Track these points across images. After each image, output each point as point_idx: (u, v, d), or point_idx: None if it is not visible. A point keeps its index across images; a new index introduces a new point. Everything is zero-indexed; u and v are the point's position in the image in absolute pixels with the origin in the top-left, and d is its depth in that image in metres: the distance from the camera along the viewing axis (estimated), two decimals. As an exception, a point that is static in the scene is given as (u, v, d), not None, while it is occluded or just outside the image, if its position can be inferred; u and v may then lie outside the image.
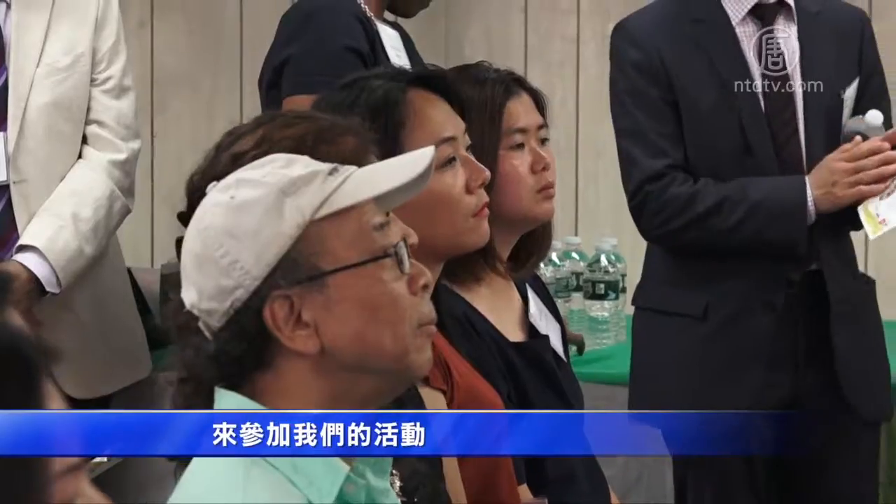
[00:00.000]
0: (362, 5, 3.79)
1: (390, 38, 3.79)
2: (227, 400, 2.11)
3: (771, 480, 3.67)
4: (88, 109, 3.93)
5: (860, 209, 3.35)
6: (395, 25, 3.96)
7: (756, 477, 3.55)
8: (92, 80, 3.91)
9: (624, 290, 4.22)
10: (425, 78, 2.80)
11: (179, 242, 2.25)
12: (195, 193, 2.24)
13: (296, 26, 3.86)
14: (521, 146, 2.93)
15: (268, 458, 2.08)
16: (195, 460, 2.15)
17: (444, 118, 2.73)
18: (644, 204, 3.51)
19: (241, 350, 2.10)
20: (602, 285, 4.24)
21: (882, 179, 3.31)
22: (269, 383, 2.09)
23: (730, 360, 3.47)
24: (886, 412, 3.56)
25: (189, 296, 2.13)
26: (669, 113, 3.48)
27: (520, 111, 2.96)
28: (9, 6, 3.87)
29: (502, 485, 2.76)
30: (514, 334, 2.95)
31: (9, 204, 3.66)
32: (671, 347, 3.56)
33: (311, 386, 2.12)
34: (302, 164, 2.13)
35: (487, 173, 2.60)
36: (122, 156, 3.95)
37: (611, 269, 4.31)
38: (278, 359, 2.09)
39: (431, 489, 2.52)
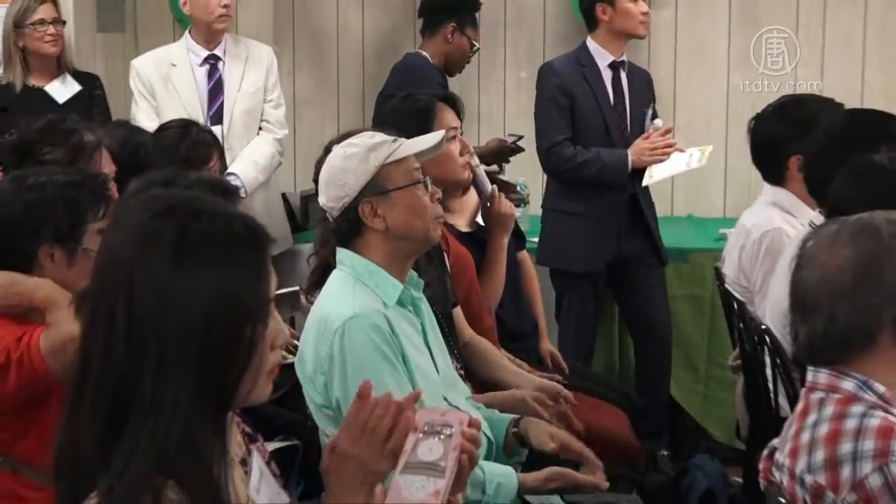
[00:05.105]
0: None
1: None
2: (343, 253, 2.97)
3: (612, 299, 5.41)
4: (262, 113, 5.32)
5: (647, 168, 5.05)
6: None
7: (600, 297, 5.28)
8: (264, 100, 5.29)
9: (528, 202, 5.93)
10: (446, 97, 3.92)
11: (315, 181, 3.12)
12: (317, 169, 3.08)
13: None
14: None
15: (362, 280, 2.93)
16: (325, 287, 2.97)
17: (451, 118, 3.83)
18: (548, 159, 5.12)
19: (347, 226, 2.94)
20: (520, 200, 5.77)
21: (660, 154, 5.02)
22: (360, 243, 2.95)
23: (597, 236, 5.14)
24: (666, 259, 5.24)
25: (322, 199, 2.99)
26: (568, 113, 5.12)
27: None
28: (223, 61, 5.22)
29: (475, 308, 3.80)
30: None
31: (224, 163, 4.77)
32: (566, 231, 5.15)
33: (381, 246, 2.94)
34: (380, 137, 2.99)
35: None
36: (278, 136, 5.35)
37: (523, 192, 5.88)
38: (365, 231, 2.94)
39: (440, 289, 3.51)
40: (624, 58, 5.19)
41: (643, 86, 5.26)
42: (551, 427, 3.17)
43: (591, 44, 5.15)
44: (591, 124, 5.10)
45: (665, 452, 4.29)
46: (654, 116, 5.16)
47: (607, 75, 5.16)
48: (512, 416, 3.20)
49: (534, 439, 3.12)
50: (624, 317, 5.47)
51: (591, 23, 5.20)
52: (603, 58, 5.15)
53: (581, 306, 5.20)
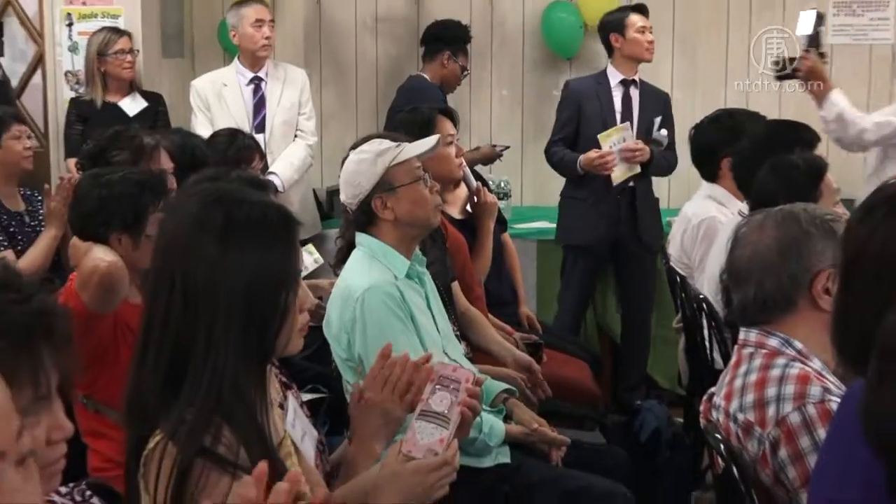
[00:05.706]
0: None
1: None
2: (361, 236, 2.93)
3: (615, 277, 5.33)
4: (297, 123, 5.34)
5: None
6: None
7: (598, 272, 5.22)
8: (298, 113, 5.33)
9: (511, 196, 5.91)
10: (444, 110, 3.93)
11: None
12: (341, 167, 3.00)
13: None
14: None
15: (377, 258, 2.88)
16: (347, 264, 2.92)
17: (449, 127, 3.82)
18: (548, 153, 5.11)
19: (363, 217, 2.91)
20: (503, 194, 5.81)
21: (597, 165, 4.91)
22: (374, 229, 2.91)
23: (595, 219, 5.07)
24: (659, 247, 5.07)
25: (342, 196, 2.94)
26: (575, 121, 5.09)
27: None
28: (265, 82, 5.25)
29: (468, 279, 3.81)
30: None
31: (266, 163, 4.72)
32: (574, 213, 5.13)
33: (392, 231, 2.92)
34: (386, 144, 2.94)
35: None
36: (310, 143, 5.37)
37: (506, 188, 5.91)
38: (378, 220, 2.91)
39: (441, 266, 3.46)
40: (636, 77, 5.16)
41: (654, 103, 5.18)
42: (534, 414, 3.17)
43: (609, 67, 5.16)
44: (594, 131, 5.05)
45: (639, 402, 4.36)
46: (661, 128, 5.09)
47: (618, 92, 5.13)
48: (502, 388, 3.20)
49: (516, 419, 3.12)
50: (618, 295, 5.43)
51: (609, 49, 5.19)
52: (616, 77, 5.13)
53: (580, 275, 5.16)
